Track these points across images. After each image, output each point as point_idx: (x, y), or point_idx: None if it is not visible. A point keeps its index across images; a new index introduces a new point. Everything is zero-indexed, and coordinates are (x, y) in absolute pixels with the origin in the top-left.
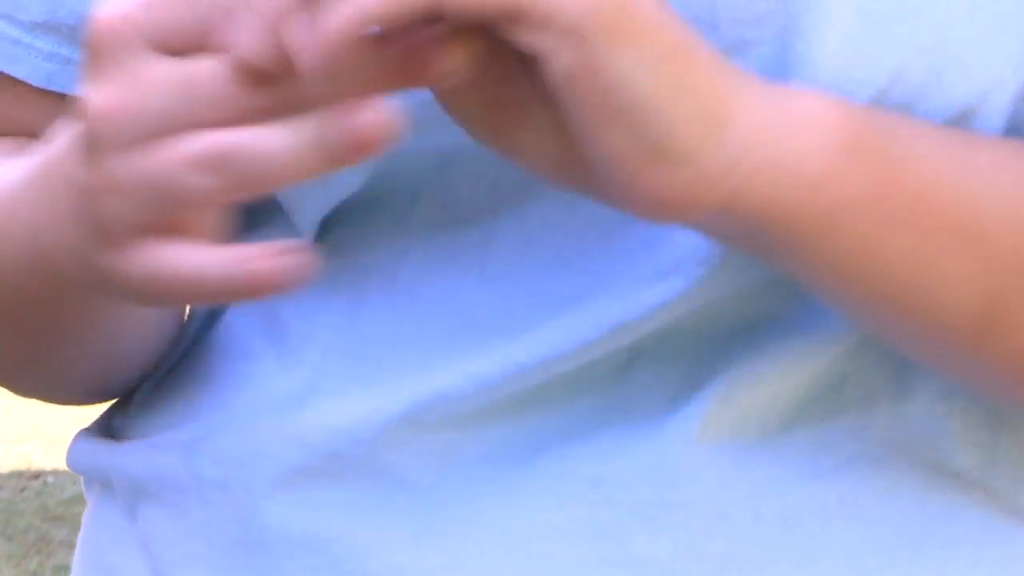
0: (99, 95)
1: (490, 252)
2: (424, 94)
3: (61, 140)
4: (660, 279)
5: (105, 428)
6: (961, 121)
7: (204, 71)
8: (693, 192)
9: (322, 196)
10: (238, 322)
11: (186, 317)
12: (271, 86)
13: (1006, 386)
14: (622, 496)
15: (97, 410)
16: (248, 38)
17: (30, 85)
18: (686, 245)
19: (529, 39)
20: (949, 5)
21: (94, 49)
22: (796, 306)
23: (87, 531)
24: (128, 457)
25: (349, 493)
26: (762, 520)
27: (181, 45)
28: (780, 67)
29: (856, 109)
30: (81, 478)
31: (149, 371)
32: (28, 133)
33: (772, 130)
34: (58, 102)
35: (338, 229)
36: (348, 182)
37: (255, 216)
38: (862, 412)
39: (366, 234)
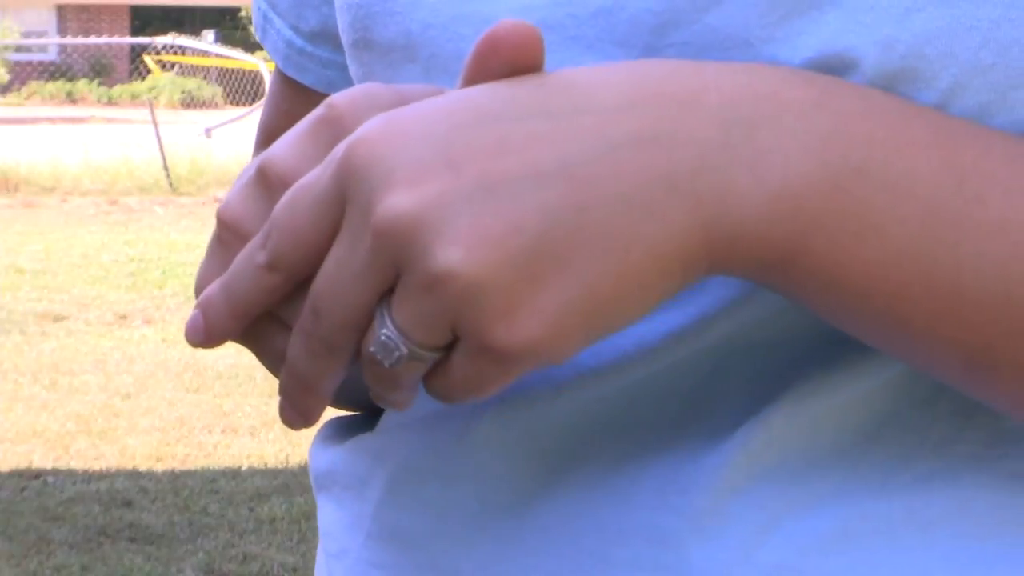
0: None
1: None
2: None
3: None
4: (714, 289)
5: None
6: None
7: None
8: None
9: None
10: None
11: None
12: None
13: (1013, 409)
14: (680, 502)
15: (98, 411)
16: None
17: (317, 91)
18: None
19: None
20: (1011, 24)
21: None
22: None
23: None
24: (322, 453)
25: (448, 493)
26: (817, 531)
27: None
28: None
29: (818, 171)
30: (80, 478)
31: None
32: None
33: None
34: None
35: None
36: None
37: None
38: (954, 427)
39: None
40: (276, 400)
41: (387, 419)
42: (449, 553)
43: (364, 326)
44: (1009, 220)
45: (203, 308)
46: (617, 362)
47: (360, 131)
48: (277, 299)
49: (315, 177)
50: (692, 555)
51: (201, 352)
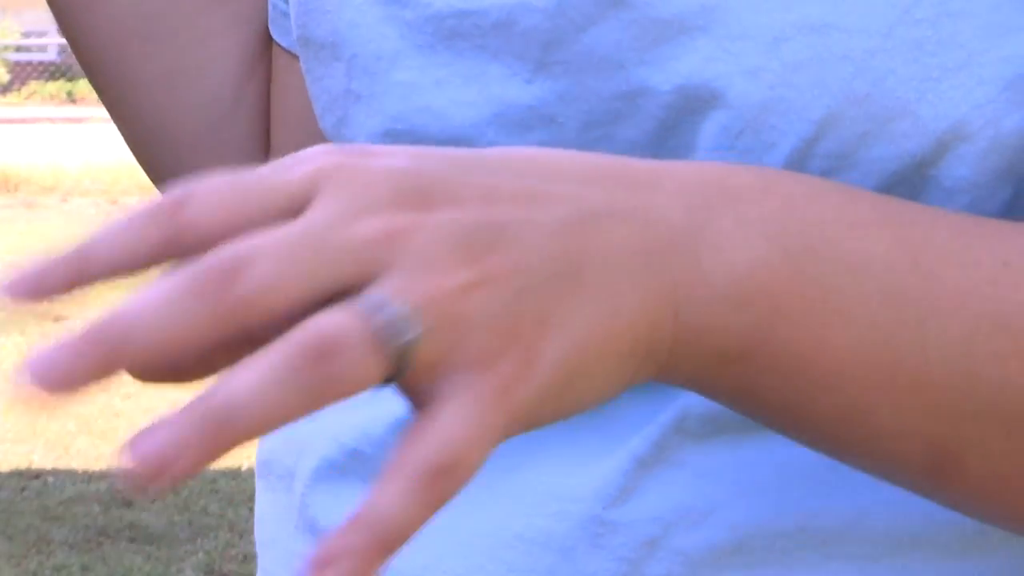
0: None
1: None
2: None
3: None
4: None
5: None
6: (918, 170)
7: None
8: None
9: None
10: None
11: None
12: None
13: (975, 516)
14: (575, 510)
15: (98, 411)
16: None
17: (293, 53)
18: None
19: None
20: (887, 55)
21: None
22: None
23: None
24: (265, 440)
25: (365, 488)
26: (709, 545)
27: None
28: (699, 117)
29: (776, 255)
30: (80, 478)
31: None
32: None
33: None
34: None
35: None
36: None
37: None
38: None
39: None
40: None
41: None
42: None
43: (296, 310)
44: (967, 295)
45: None
46: None
47: (331, 156)
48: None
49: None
50: (583, 564)
51: None
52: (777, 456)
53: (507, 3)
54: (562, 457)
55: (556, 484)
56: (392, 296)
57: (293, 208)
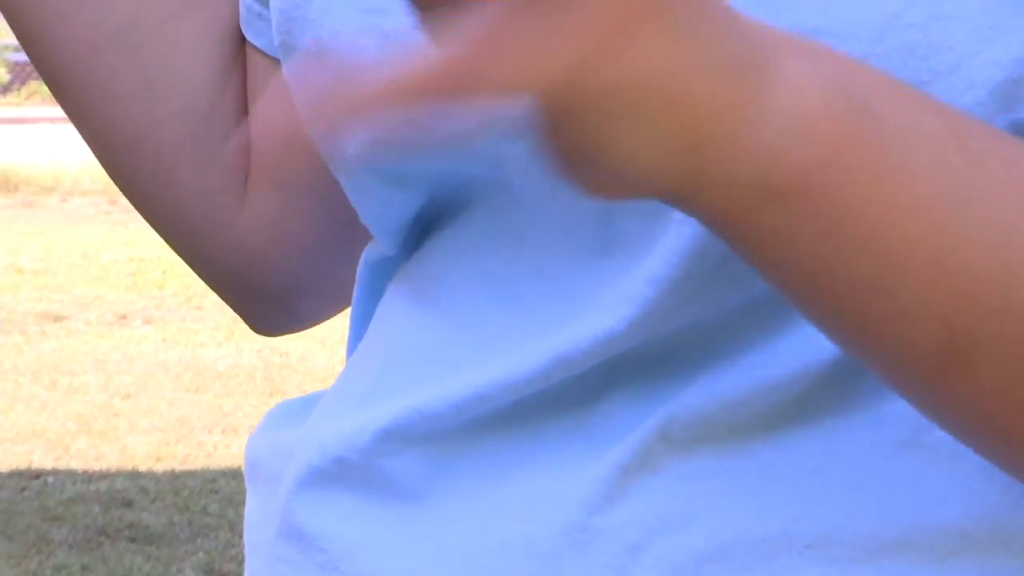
0: None
1: (442, 287)
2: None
3: None
4: (609, 309)
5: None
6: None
7: None
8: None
9: (384, 220)
10: (359, 324)
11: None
12: None
13: (969, 430)
14: (558, 515)
15: (98, 411)
16: None
17: (267, 55)
18: (638, 275)
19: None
20: (878, 60)
21: None
22: (761, 336)
23: None
24: (254, 442)
25: (351, 496)
26: (693, 550)
27: None
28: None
29: (841, 102)
30: (80, 478)
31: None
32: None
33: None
34: None
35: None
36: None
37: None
38: (830, 429)
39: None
40: (276, 400)
41: (315, 413)
42: (350, 557)
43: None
44: (1010, 187)
45: None
46: (505, 379)
47: None
48: None
49: None
50: (567, 570)
51: (201, 352)
52: (760, 462)
53: None
54: (547, 464)
55: (541, 491)
56: None
57: None
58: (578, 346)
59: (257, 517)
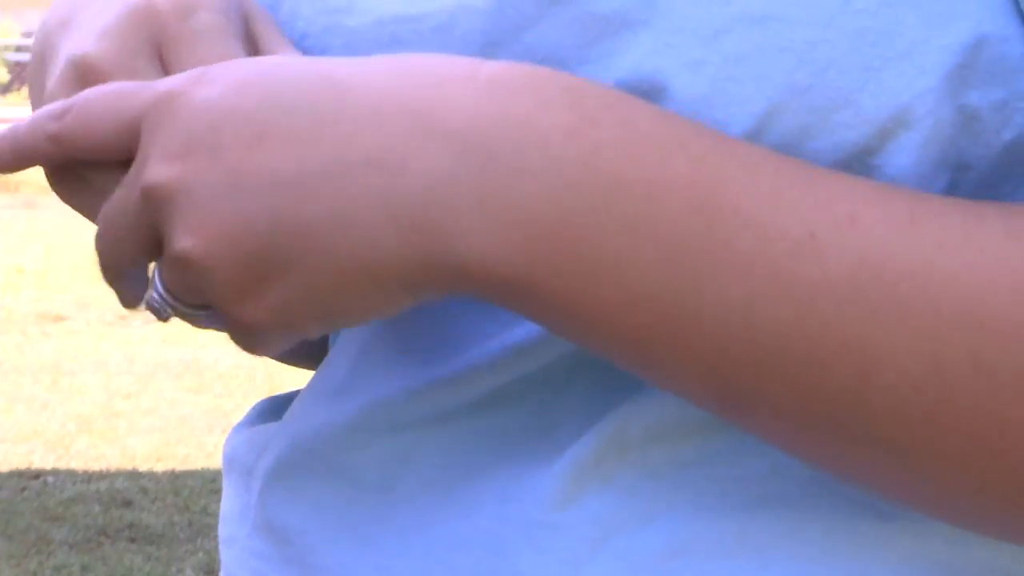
0: None
1: None
2: None
3: None
4: None
5: None
6: (861, 159)
7: None
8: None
9: None
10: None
11: None
12: None
13: (794, 455)
14: (516, 512)
15: (98, 411)
16: None
17: None
18: None
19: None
20: (829, 46)
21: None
22: None
23: None
24: (232, 437)
25: (320, 488)
26: (649, 548)
27: None
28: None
29: (562, 201)
30: (80, 478)
31: None
32: None
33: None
34: None
35: None
36: None
37: None
38: None
39: None
40: None
41: (290, 408)
42: (317, 551)
43: (135, 269)
44: (755, 264)
45: None
46: (467, 373)
47: (173, 83)
48: (56, 164)
49: (128, 92)
50: (524, 567)
51: (201, 352)
52: (717, 461)
53: (448, 6)
54: (508, 461)
55: (501, 487)
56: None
57: (129, 143)
58: (536, 337)
59: (232, 511)
